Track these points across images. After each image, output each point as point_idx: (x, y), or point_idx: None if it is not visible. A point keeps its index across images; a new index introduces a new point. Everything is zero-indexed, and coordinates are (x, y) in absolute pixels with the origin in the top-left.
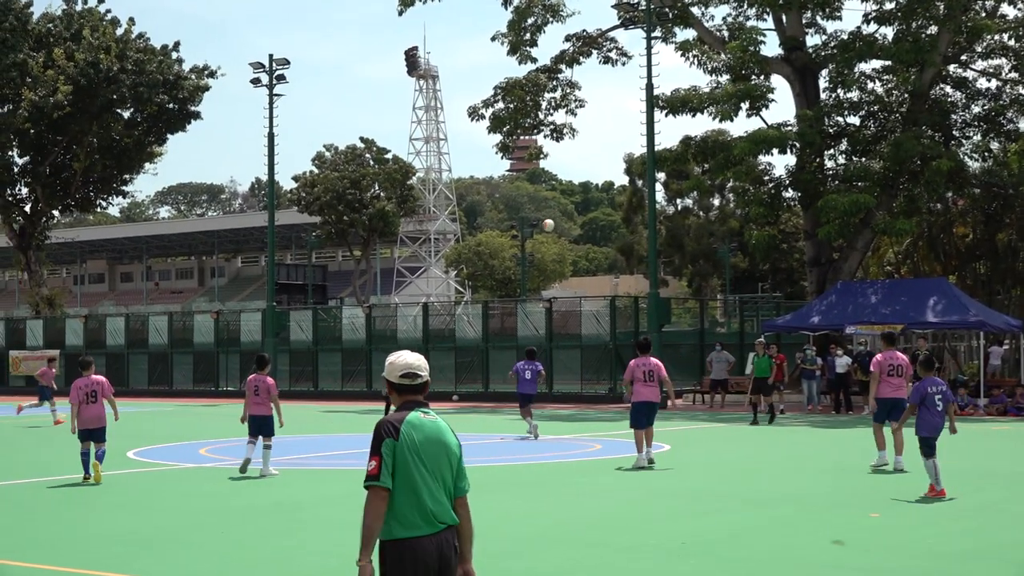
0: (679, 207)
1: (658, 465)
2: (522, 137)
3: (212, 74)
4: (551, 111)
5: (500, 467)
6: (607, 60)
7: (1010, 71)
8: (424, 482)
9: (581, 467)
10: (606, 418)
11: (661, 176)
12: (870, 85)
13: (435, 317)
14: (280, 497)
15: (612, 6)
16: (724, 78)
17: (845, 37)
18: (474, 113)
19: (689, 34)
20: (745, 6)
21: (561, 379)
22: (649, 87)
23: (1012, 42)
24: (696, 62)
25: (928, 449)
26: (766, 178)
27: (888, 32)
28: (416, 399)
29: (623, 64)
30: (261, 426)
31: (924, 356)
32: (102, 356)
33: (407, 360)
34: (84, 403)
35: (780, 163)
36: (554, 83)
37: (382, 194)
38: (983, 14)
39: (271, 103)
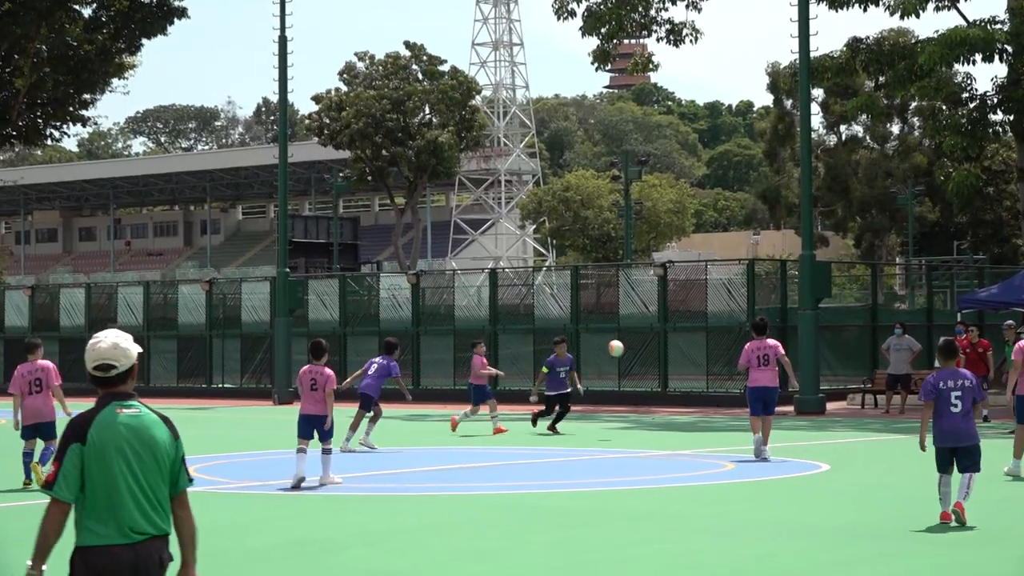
0: (844, 137)
1: (807, 492)
2: (627, 41)
3: None
4: (666, 4)
5: (604, 492)
6: None
7: None
8: (120, 488)
9: (705, 494)
10: (740, 426)
11: (818, 94)
12: None
13: (507, 288)
14: (308, 532)
15: None
16: None
17: None
18: (561, 8)
19: None
20: None
21: (679, 373)
22: None
23: None
24: None
25: (941, 463)
26: (966, 95)
27: None
28: (115, 391)
29: None
30: (317, 428)
31: (945, 342)
32: (54, 341)
33: (101, 348)
34: (28, 393)
35: (985, 74)
36: None
37: (435, 120)
38: None
39: None
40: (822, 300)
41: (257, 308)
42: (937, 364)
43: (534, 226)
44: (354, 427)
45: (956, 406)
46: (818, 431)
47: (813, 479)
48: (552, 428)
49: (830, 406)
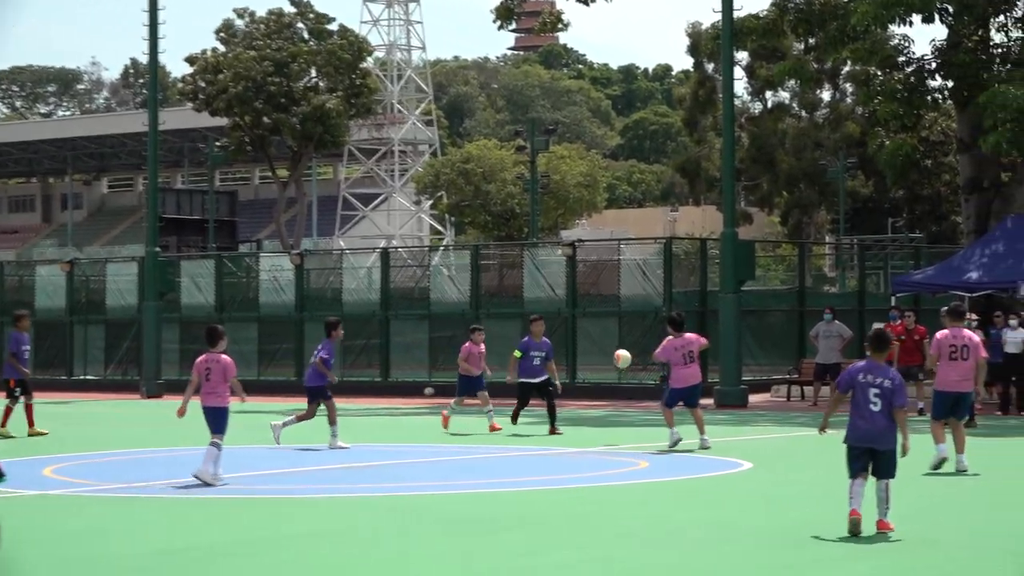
0: (770, 104)
1: (727, 493)
2: None
3: None
4: None
5: (510, 494)
6: None
7: None
8: None
9: (617, 495)
10: (655, 421)
11: (742, 57)
12: None
13: (400, 270)
14: (181, 539)
15: None
16: None
17: None
18: None
19: None
20: None
21: (590, 363)
22: None
23: None
24: None
25: (853, 466)
26: (902, 60)
27: None
28: None
29: None
30: (215, 421)
31: (875, 332)
32: None
33: None
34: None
35: (923, 37)
36: None
37: (321, 84)
38: None
39: None
40: (745, 282)
41: (124, 291)
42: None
43: (431, 201)
44: (331, 420)
45: (875, 404)
46: (740, 426)
47: (734, 479)
48: (553, 430)
49: (753, 398)
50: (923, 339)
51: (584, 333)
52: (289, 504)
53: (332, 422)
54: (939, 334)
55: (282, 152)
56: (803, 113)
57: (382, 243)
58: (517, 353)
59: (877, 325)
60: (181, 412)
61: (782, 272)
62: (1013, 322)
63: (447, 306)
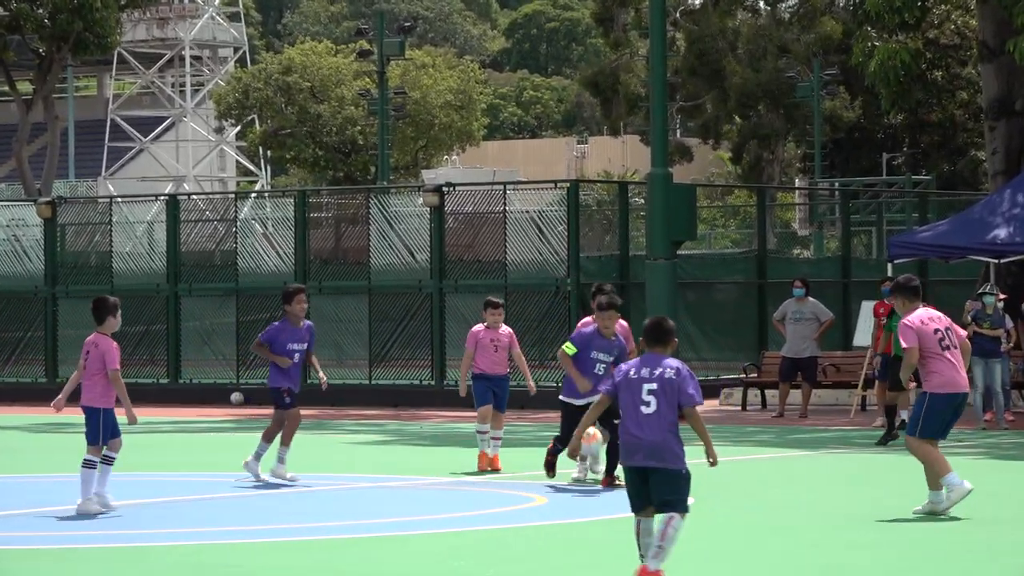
0: None
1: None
2: None
3: None
4: None
5: (331, 544)
6: None
7: None
8: None
9: (503, 543)
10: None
11: None
12: None
13: (195, 226)
14: None
15: None
16: None
17: None
18: None
19: None
20: None
21: (461, 356)
22: None
23: None
24: None
25: (632, 495)
26: None
27: None
28: None
29: None
30: (86, 426)
31: (654, 321)
32: None
33: None
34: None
35: None
36: None
37: None
38: None
39: None
40: (683, 244)
41: None
42: (865, 339)
43: (237, 128)
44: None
45: (649, 404)
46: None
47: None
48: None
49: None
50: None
51: (456, 315)
52: (38, 555)
53: (283, 440)
54: (912, 320)
55: (24, 58)
56: (762, 5)
57: (168, 188)
58: (570, 348)
59: (654, 318)
60: (57, 406)
61: (735, 230)
62: None
63: (261, 277)
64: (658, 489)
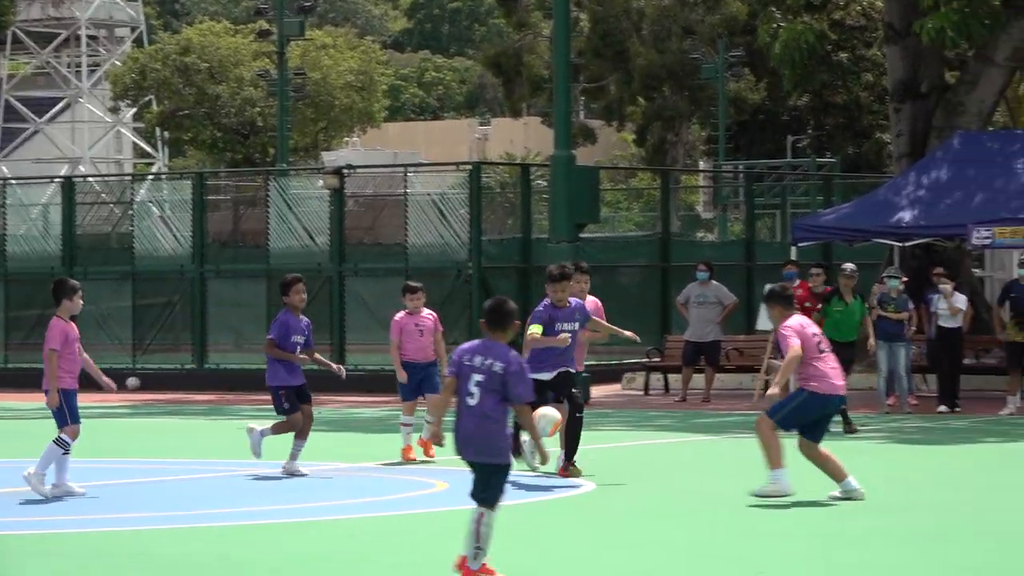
0: None
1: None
2: None
3: None
4: None
5: (225, 531)
6: None
7: None
8: None
9: (404, 530)
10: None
11: None
12: None
13: (90, 209)
14: None
15: None
16: None
17: None
18: None
19: None
20: None
21: (364, 340)
22: None
23: None
24: None
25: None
26: None
27: None
28: None
29: None
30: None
31: (495, 301)
32: None
33: None
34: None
35: None
36: None
37: None
38: None
39: None
40: (586, 227)
41: None
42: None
43: (134, 110)
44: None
45: (472, 396)
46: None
47: (570, 504)
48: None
49: (597, 391)
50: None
51: (356, 299)
52: None
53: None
54: (793, 325)
55: None
56: None
57: (64, 169)
58: (536, 328)
59: (496, 299)
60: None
61: (638, 213)
62: (947, 286)
63: (158, 261)
64: (475, 484)
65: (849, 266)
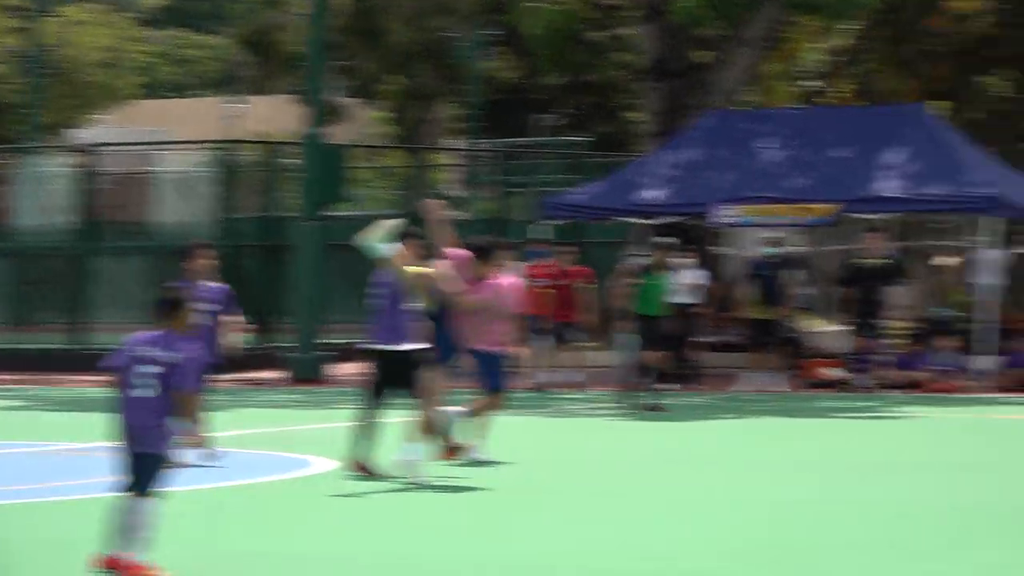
0: None
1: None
2: None
3: None
4: None
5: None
6: None
7: None
8: None
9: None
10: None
11: None
12: None
13: None
14: None
15: None
16: None
17: None
18: None
19: None
20: None
21: (110, 321)
22: None
23: None
24: None
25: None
26: None
27: None
28: None
29: None
30: None
31: (163, 290)
32: None
33: None
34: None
35: None
36: None
37: None
38: None
39: None
40: (331, 205)
41: None
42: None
43: None
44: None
45: (135, 387)
46: (316, 409)
47: (293, 486)
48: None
49: (341, 369)
50: (588, 285)
51: (101, 278)
52: None
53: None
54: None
55: None
56: None
57: None
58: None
59: (168, 287)
60: None
61: (391, 191)
62: (686, 260)
63: None
64: (135, 471)
65: (664, 240)
